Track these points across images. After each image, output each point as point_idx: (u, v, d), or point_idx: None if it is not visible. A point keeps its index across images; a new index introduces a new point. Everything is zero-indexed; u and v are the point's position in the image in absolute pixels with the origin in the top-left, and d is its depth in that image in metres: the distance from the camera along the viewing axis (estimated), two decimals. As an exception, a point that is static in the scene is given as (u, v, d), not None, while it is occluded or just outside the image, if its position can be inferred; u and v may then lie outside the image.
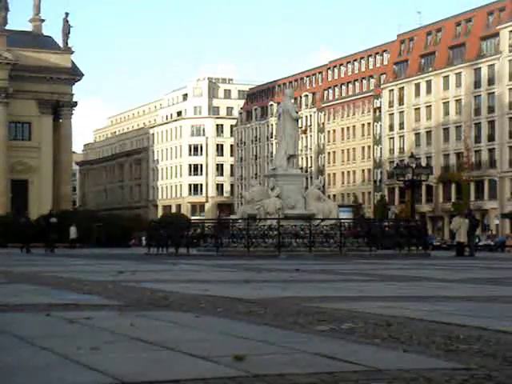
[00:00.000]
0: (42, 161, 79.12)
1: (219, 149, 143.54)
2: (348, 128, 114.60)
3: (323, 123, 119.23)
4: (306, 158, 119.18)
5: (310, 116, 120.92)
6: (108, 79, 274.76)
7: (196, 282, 11.63)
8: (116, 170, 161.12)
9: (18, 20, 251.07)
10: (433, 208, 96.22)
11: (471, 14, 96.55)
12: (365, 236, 33.93)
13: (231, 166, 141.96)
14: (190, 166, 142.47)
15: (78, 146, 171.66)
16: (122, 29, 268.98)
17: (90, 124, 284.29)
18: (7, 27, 78.78)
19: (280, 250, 30.27)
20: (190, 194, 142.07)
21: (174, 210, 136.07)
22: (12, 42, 77.21)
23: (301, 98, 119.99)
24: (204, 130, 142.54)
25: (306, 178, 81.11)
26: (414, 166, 43.75)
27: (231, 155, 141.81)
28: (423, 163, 62.75)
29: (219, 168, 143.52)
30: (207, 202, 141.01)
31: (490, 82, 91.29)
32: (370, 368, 3.85)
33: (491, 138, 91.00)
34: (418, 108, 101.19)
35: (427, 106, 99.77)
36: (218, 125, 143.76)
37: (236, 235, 32.57)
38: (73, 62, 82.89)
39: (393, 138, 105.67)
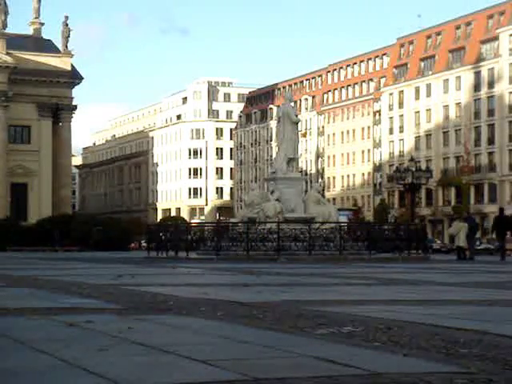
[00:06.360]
0: (41, 164, 79.06)
1: (219, 152, 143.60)
2: (348, 131, 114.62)
3: (323, 126, 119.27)
4: (306, 162, 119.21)
5: (310, 119, 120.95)
6: (107, 82, 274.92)
7: (196, 286, 11.62)
8: (115, 174, 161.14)
9: (18, 23, 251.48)
10: (433, 211, 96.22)
11: (471, 18, 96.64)
12: (365, 239, 33.88)
13: (231, 169, 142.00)
14: (189, 169, 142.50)
15: (77, 150, 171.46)
16: (121, 31, 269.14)
17: (89, 127, 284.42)
18: (7, 30, 78.76)
19: (280, 254, 30.22)
20: (189, 197, 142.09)
21: (173, 213, 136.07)
22: (12, 45, 77.18)
23: (300, 101, 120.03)
24: (204, 134, 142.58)
25: (306, 182, 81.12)
26: (413, 169, 43.79)
27: (231, 158, 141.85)
28: (423, 167, 62.71)
29: (219, 171, 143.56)
30: (207, 205, 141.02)
31: (490, 85, 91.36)
32: (370, 372, 3.85)
33: (491, 141, 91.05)
34: (418, 111, 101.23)
35: (427, 110, 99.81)
36: (217, 128, 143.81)
37: (235, 239, 32.50)
38: (72, 66, 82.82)
39: (392, 141, 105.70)
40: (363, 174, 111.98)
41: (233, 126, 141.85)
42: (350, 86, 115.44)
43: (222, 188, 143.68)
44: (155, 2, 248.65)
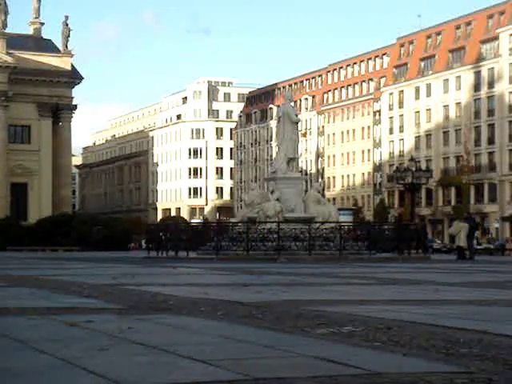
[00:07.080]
0: (41, 164, 79.05)
1: (219, 152, 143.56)
2: (348, 131, 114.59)
3: (323, 126, 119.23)
4: (306, 162, 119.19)
5: (310, 119, 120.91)
6: (107, 82, 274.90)
7: (196, 286, 11.62)
8: (116, 173, 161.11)
9: (18, 23, 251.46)
10: (433, 211, 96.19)
11: (471, 18, 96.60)
12: (365, 239, 33.88)
13: (231, 169, 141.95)
14: (189, 169, 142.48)
15: (77, 150, 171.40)
16: (121, 31, 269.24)
17: (89, 127, 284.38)
18: (7, 30, 78.76)
19: (280, 254, 30.22)
20: (189, 197, 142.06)
21: (173, 213, 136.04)
22: (12, 45, 77.19)
23: (300, 100, 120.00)
24: (204, 133, 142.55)
25: (306, 182, 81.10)
26: (413, 169, 43.78)
27: (231, 158, 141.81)
28: (423, 166, 62.75)
29: (219, 171, 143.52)
30: (207, 205, 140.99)
31: (490, 85, 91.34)
32: (370, 372, 3.85)
33: (491, 141, 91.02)
34: (418, 111, 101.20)
35: (427, 110, 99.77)
36: (217, 128, 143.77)
37: (235, 239, 32.51)
38: (72, 65, 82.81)
39: (393, 141, 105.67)
40: (363, 174, 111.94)
41: (233, 125, 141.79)
42: (349, 85, 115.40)
43: (222, 188, 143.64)
44: (167, 3, 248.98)
